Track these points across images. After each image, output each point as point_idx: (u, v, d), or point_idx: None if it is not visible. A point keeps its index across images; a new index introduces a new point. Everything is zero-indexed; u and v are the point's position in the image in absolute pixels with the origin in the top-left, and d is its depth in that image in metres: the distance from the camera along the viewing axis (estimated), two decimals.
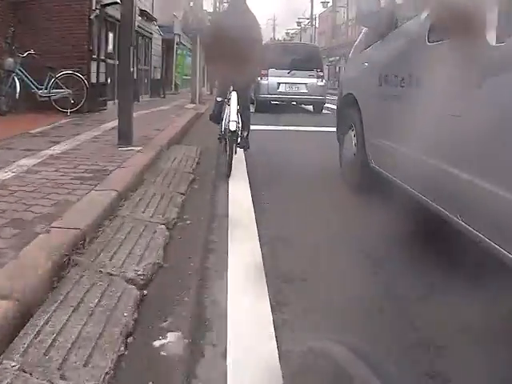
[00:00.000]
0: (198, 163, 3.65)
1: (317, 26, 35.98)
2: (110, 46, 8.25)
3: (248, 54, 4.00)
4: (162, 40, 14.53)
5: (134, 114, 7.48)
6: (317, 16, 36.38)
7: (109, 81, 7.85)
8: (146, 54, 11.78)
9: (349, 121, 3.17)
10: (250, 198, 2.78)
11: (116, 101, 8.75)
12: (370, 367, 0.56)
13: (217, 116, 4.27)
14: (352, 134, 3.11)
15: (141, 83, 10.74)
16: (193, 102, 10.59)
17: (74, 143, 3.70)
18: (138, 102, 9.56)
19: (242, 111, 3.92)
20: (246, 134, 4.09)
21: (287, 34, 46.63)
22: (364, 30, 3.19)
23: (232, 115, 3.81)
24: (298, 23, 38.72)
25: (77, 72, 6.07)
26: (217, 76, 4.79)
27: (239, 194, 2.91)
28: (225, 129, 3.94)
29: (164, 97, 12.56)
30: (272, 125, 6.91)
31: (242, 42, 3.90)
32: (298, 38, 40.84)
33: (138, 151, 3.42)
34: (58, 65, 6.05)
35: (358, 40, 3.36)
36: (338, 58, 32.90)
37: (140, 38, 10.67)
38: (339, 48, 31.46)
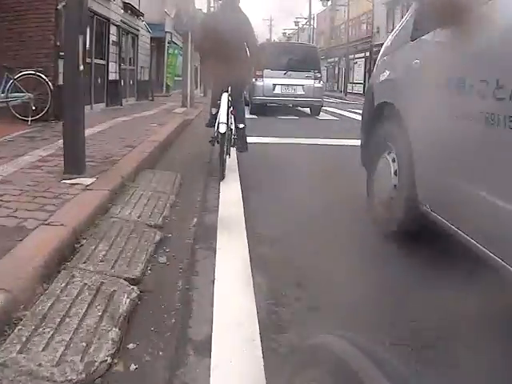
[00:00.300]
0: (173, 205, 2.61)
1: (315, 26, 34.62)
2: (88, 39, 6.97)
3: (240, 55, 3.99)
4: (152, 38, 13.66)
5: (111, 122, 6.29)
6: (315, 16, 35.67)
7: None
8: (131, 53, 10.86)
9: (384, 140, 2.39)
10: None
11: (94, 105, 7.76)
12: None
13: (210, 122, 4.39)
14: (389, 158, 2.33)
15: (125, 85, 9.87)
16: (183, 105, 9.99)
17: (8, 170, 2.82)
18: (121, 106, 8.95)
19: (235, 105, 3.92)
20: (241, 126, 4.10)
21: (284, 34, 45.68)
22: (413, 7, 2.25)
23: (222, 117, 3.78)
24: (296, 23, 37.77)
25: (39, 72, 5.19)
26: (210, 82, 4.90)
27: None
28: (216, 131, 3.94)
29: (152, 99, 11.87)
30: (268, 136, 6.31)
31: (233, 43, 3.89)
32: (296, 39, 39.61)
33: (88, 187, 2.51)
34: (18, 64, 5.25)
35: (402, 25, 2.42)
36: (337, 59, 32.17)
37: (124, 34, 9.80)
38: (338, 49, 30.88)
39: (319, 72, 9.77)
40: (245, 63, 4.05)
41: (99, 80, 7.96)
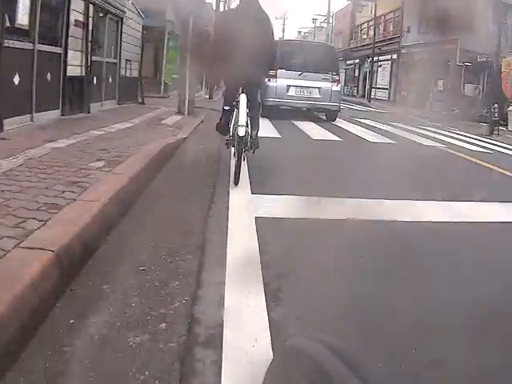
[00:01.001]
0: None
1: (333, 25, 33.72)
2: (22, 15, 4.92)
3: (259, 55, 4.03)
4: (150, 28, 12.42)
5: (40, 150, 3.54)
6: (333, 14, 35.65)
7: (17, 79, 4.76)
8: (112, 41, 8.51)
9: None
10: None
11: (37, 114, 5.46)
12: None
13: (224, 126, 4.31)
14: None
15: (99, 83, 7.68)
16: (180, 111, 8.46)
17: None
18: (88, 113, 6.95)
19: (251, 110, 4.00)
20: (255, 133, 4.15)
21: (299, 32, 44.85)
22: None
23: (241, 119, 3.83)
24: (314, 20, 36.62)
25: None
26: (225, 80, 4.87)
27: None
28: (233, 134, 4.03)
29: (143, 102, 10.05)
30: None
31: (253, 42, 3.91)
32: (312, 39, 38.73)
33: None
34: None
35: None
36: (357, 61, 30.79)
37: (99, 14, 7.57)
38: (359, 50, 30.03)
39: (337, 74, 9.57)
40: (262, 63, 4.20)
41: (49, 75, 5.64)
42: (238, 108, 4.06)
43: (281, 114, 9.55)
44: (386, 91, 23.59)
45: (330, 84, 9.75)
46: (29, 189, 2.46)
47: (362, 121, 10.92)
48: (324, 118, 10.59)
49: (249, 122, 3.90)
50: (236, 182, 3.62)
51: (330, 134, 7.95)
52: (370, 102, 21.63)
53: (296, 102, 9.65)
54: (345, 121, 10.41)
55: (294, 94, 9.74)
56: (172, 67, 14.32)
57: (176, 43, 14.60)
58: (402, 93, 20.93)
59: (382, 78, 24.56)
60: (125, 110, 8.16)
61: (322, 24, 36.84)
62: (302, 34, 46.59)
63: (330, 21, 33.35)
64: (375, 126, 10.41)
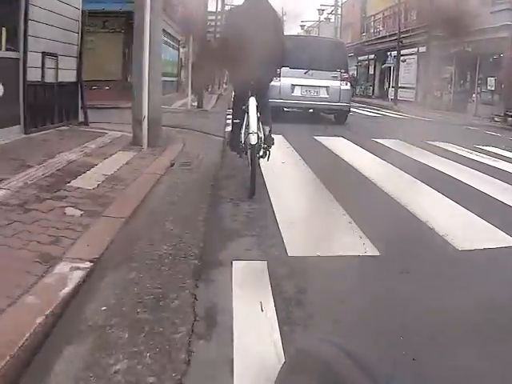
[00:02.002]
0: None
1: (340, 17, 32.74)
2: None
3: (268, 54, 4.03)
4: (116, 15, 10.93)
5: None
6: (342, 4, 34.81)
7: None
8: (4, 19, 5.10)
9: None
10: None
11: None
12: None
13: (237, 142, 4.33)
14: None
15: None
16: (135, 140, 5.38)
17: None
18: None
19: (262, 111, 4.09)
20: (268, 129, 4.22)
21: (302, 27, 43.55)
22: None
23: (252, 126, 3.85)
24: (320, 11, 35.50)
25: None
26: (234, 85, 5.02)
27: None
28: (245, 141, 4.08)
29: (85, 122, 6.94)
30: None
31: (262, 41, 3.93)
32: (317, 33, 37.68)
33: None
34: None
35: None
36: (372, 56, 28.18)
37: None
38: (374, 43, 27.52)
39: (347, 72, 9.18)
40: (271, 63, 4.25)
41: None
42: (247, 113, 4.09)
43: (289, 117, 9.49)
44: (412, 91, 20.81)
45: (339, 83, 9.53)
46: None
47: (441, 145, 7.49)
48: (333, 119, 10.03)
49: (260, 126, 3.99)
50: (251, 195, 3.68)
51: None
52: (396, 104, 19.14)
53: (302, 103, 9.48)
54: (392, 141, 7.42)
55: (299, 94, 9.58)
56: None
57: None
58: (435, 93, 18.95)
59: (406, 75, 21.49)
60: (24, 148, 4.78)
61: (329, 16, 35.36)
62: (306, 28, 44.76)
63: (339, 11, 31.71)
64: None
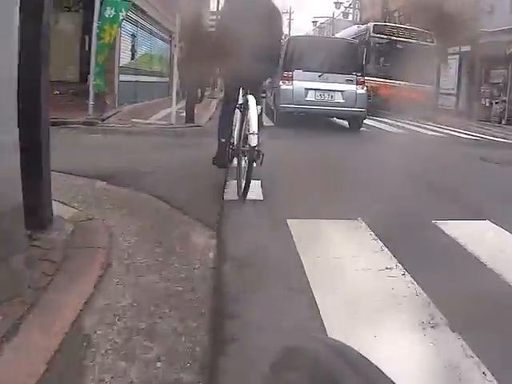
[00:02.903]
0: None
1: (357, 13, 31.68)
2: None
3: (266, 49, 4.08)
4: None
5: None
6: None
7: None
8: None
9: None
10: None
11: None
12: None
13: (223, 156, 4.41)
14: None
15: None
16: None
17: None
18: None
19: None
20: (259, 112, 4.22)
21: (314, 23, 42.83)
22: None
23: (252, 125, 3.81)
24: (337, 4, 34.33)
25: None
26: (225, 81, 5.15)
27: None
28: (237, 143, 4.18)
29: None
30: None
31: (259, 35, 3.88)
32: (330, 30, 36.78)
33: None
34: None
35: None
36: None
37: None
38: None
39: (362, 75, 8.98)
40: (268, 58, 4.31)
41: None
42: (241, 111, 4.15)
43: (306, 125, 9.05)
44: (454, 97, 19.01)
45: (355, 86, 9.39)
46: None
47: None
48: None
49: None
50: (243, 197, 3.85)
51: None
52: (435, 113, 16.19)
53: (316, 108, 9.45)
54: None
55: (313, 98, 9.71)
56: (106, 56, 9.22)
57: (118, 11, 9.05)
58: (482, 101, 17.33)
59: (445, 78, 19.43)
60: None
61: (348, 9, 34.31)
62: (318, 24, 43.88)
63: (357, 6, 30.71)
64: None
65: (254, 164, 3.96)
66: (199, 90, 13.35)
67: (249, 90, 4.11)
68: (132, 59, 12.49)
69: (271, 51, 4.30)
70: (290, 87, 9.77)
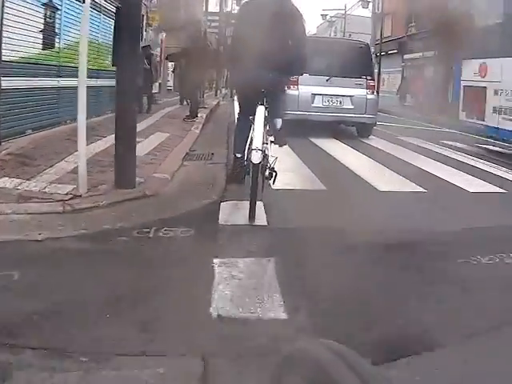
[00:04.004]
0: None
1: (378, 4, 32.39)
2: None
3: (286, 55, 4.00)
4: None
5: None
6: None
7: None
8: None
9: None
10: None
11: None
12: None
13: (238, 173, 4.37)
14: None
15: None
16: None
17: None
18: None
19: (273, 103, 4.13)
20: (279, 123, 4.31)
21: (324, 16, 40.83)
22: None
23: (256, 141, 3.63)
24: None
25: None
26: (238, 94, 5.10)
27: None
28: (247, 158, 4.13)
29: None
30: None
31: (277, 39, 3.81)
32: (341, 26, 35.78)
33: None
34: None
35: None
36: (430, 54, 22.22)
37: None
38: (421, 38, 22.79)
39: (373, 79, 8.91)
40: (289, 65, 4.21)
41: None
42: (253, 124, 4.05)
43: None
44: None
45: (365, 91, 9.33)
46: None
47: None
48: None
49: (268, 140, 4.04)
50: (251, 219, 3.73)
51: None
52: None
53: (324, 115, 9.32)
54: None
55: (320, 104, 9.85)
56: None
57: None
58: None
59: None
60: None
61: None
62: (329, 17, 41.61)
63: None
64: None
65: (269, 182, 3.99)
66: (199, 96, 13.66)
67: (266, 100, 4.01)
68: (46, 49, 7.68)
69: (293, 56, 4.17)
70: (296, 93, 9.53)
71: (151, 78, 12.83)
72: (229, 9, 25.22)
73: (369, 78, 10.37)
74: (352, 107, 10.03)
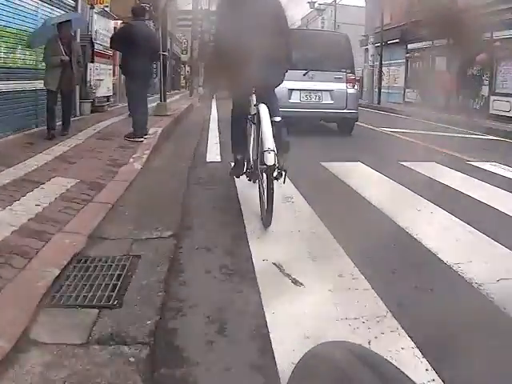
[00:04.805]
0: None
1: None
2: None
3: (272, 52, 3.91)
4: None
5: None
6: None
7: None
8: None
9: None
10: None
11: None
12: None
13: (241, 169, 4.39)
14: None
15: None
16: None
17: None
18: None
19: (268, 100, 4.05)
20: (278, 119, 3.98)
21: (312, 4, 39.46)
22: None
23: (267, 141, 3.54)
24: None
25: None
26: (232, 94, 4.70)
27: None
28: (254, 163, 4.13)
29: None
30: None
31: (263, 36, 3.70)
32: (331, 14, 34.36)
33: None
34: None
35: None
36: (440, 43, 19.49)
37: None
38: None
39: (353, 72, 8.75)
40: (277, 61, 4.13)
41: None
42: (254, 123, 4.02)
43: None
44: None
45: (345, 85, 9.14)
46: None
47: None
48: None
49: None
50: (267, 224, 3.71)
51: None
52: None
53: (302, 112, 9.19)
54: None
55: (298, 100, 9.77)
56: None
57: None
58: None
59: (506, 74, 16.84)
60: None
61: None
62: (317, 5, 40.43)
63: None
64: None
65: (276, 183, 3.90)
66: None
67: (259, 98, 4.00)
68: None
69: (279, 50, 4.11)
70: None
71: (71, 77, 7.99)
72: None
73: (348, 71, 10.17)
74: (332, 102, 9.95)
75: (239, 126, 4.32)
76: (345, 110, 9.95)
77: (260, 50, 3.67)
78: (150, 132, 7.98)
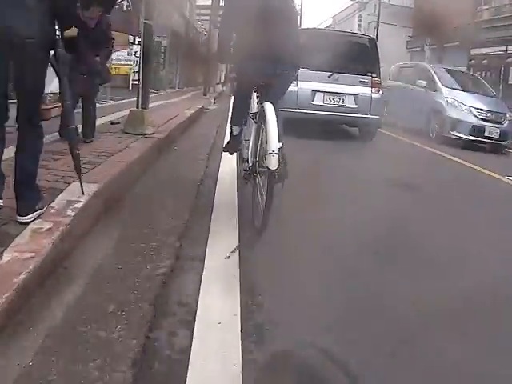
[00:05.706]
0: None
1: None
2: None
3: (284, 44, 3.83)
4: None
5: None
6: None
7: None
8: None
9: None
10: None
11: None
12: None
13: (236, 143, 4.26)
14: None
15: None
16: None
17: None
18: None
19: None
20: (279, 146, 4.28)
21: None
22: None
23: (271, 143, 3.36)
24: None
25: None
26: (237, 78, 4.49)
27: None
28: (253, 163, 3.94)
29: None
30: None
31: (274, 27, 3.69)
32: (375, 8, 34.28)
33: None
34: None
35: None
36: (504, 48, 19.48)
37: None
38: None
39: (378, 76, 8.85)
40: (288, 56, 3.99)
41: None
42: (256, 122, 3.94)
43: None
44: None
45: (370, 89, 9.33)
46: None
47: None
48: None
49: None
50: (263, 227, 3.66)
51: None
52: None
53: (324, 115, 9.36)
54: None
55: (321, 102, 10.32)
56: None
57: None
58: None
59: None
60: None
61: None
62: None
63: None
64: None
65: (280, 185, 3.87)
66: None
67: (263, 95, 3.89)
68: None
69: (287, 46, 3.95)
70: (295, 89, 9.38)
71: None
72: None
73: (374, 75, 10.32)
74: (355, 106, 10.06)
75: (244, 96, 4.09)
76: (368, 115, 9.99)
77: (265, 46, 3.50)
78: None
